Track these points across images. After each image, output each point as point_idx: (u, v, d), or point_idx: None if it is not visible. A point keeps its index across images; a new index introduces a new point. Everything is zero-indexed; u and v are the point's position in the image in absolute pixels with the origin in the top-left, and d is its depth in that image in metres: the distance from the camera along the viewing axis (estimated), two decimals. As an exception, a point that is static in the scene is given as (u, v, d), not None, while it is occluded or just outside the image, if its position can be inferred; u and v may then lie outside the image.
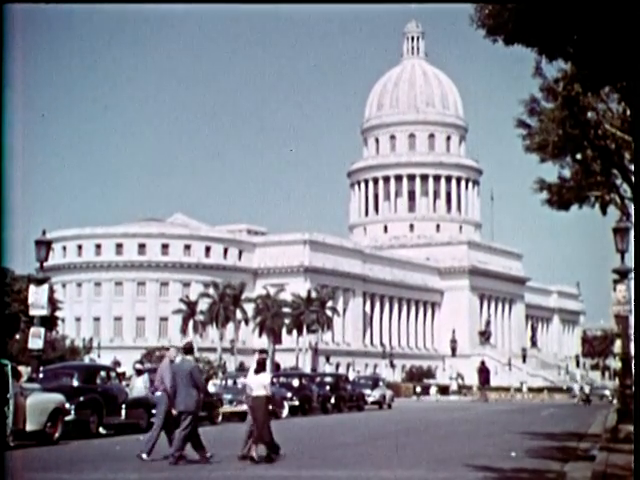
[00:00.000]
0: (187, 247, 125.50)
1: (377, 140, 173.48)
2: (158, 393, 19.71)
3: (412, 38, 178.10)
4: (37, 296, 29.99)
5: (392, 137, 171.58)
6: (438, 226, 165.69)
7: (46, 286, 30.62)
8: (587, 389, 79.10)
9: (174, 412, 18.98)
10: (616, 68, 14.12)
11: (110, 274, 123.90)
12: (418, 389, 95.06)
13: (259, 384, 18.84)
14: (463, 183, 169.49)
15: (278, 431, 31.08)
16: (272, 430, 19.22)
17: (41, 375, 27.68)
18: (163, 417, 19.46)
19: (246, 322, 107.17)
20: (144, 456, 19.02)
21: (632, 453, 14.28)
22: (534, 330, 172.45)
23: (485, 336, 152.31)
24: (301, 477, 17.11)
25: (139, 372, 31.46)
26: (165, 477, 16.92)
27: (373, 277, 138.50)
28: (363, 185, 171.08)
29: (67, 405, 24.08)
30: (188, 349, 19.22)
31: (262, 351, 19.69)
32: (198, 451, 18.71)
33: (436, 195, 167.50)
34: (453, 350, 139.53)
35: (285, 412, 40.01)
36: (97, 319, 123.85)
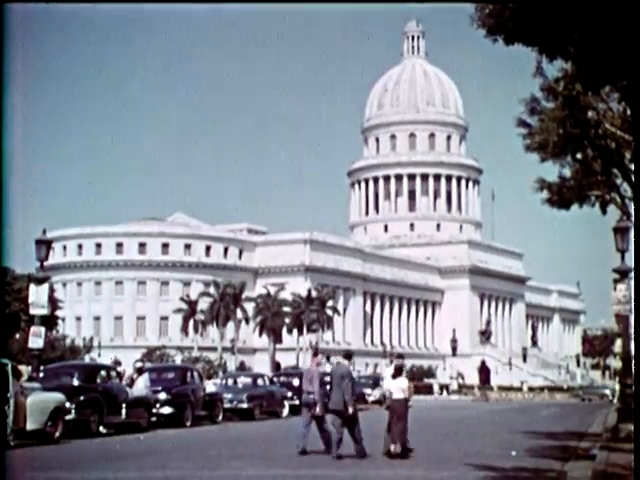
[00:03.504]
0: (187, 246, 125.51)
1: (377, 139, 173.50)
2: (310, 396, 20.77)
3: (412, 37, 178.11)
4: (37, 295, 29.98)
5: (392, 136, 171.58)
6: (438, 225, 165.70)
7: (46, 285, 30.61)
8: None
9: (318, 412, 20.19)
10: (616, 67, 14.12)
11: (110, 273, 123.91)
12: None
13: (398, 388, 20.28)
14: (463, 182, 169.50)
15: (278, 430, 31.19)
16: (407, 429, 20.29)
17: (41, 374, 27.66)
18: (311, 416, 20.48)
19: (246, 321, 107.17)
20: (299, 450, 19.97)
21: (632, 452, 14.28)
22: (534, 329, 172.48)
23: (485, 335, 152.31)
24: (301, 476, 17.12)
25: (140, 371, 31.51)
26: (166, 476, 16.93)
27: (373, 276, 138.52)
28: (363, 184, 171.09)
29: (67, 404, 24.07)
30: (347, 355, 21.02)
31: (400, 356, 21.59)
32: (357, 448, 19.73)
33: (436, 194, 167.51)
34: (453, 349, 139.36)
35: (286, 411, 40.03)
36: (97, 318, 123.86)
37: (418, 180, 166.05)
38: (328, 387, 21.20)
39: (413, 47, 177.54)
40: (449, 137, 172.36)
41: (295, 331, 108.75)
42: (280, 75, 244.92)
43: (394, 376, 20.58)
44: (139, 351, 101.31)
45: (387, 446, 20.10)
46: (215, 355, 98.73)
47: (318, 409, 20.13)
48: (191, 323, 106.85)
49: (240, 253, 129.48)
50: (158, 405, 30.26)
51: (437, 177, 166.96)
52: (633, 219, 24.63)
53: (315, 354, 22.34)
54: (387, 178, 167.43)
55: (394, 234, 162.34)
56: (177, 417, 30.85)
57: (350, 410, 19.40)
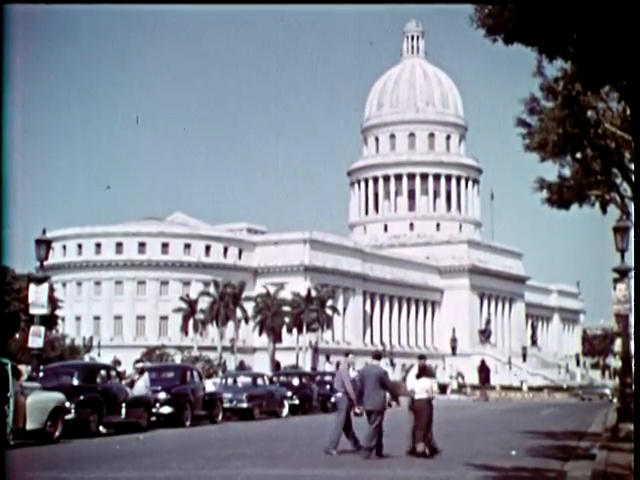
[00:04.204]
0: (187, 246, 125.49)
1: (377, 139, 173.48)
2: (339, 394, 21.06)
3: (412, 37, 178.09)
4: (37, 295, 29.98)
5: (392, 136, 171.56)
6: (438, 225, 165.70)
7: (46, 285, 30.61)
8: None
9: (357, 411, 20.58)
10: (616, 67, 14.12)
11: (110, 273, 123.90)
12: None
13: (421, 388, 20.66)
14: (463, 182, 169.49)
15: (278, 430, 31.19)
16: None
17: (41, 374, 27.66)
18: (344, 416, 20.81)
19: (246, 321, 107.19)
20: (333, 452, 20.28)
21: (632, 452, 14.29)
22: (534, 329, 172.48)
23: (485, 335, 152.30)
24: (301, 476, 17.12)
25: (142, 372, 31.55)
26: (166, 476, 16.93)
27: (373, 276, 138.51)
28: (363, 184, 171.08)
29: (67, 404, 24.08)
30: (377, 355, 21.39)
31: (422, 357, 21.62)
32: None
33: (436, 194, 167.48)
34: (453, 349, 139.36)
35: (285, 411, 40.05)
36: (97, 318, 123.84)
37: (418, 180, 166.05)
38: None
39: (413, 47, 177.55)
40: (449, 137, 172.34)
41: (295, 331, 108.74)
42: (280, 75, 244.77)
43: (418, 376, 20.96)
44: (139, 351, 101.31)
45: (410, 445, 20.42)
46: (215, 355, 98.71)
47: (357, 409, 20.56)
48: (191, 323, 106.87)
49: (240, 253, 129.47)
50: (158, 405, 30.27)
51: (437, 177, 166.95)
52: (633, 219, 24.64)
53: (347, 354, 22.88)
54: (387, 178, 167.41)
55: (394, 234, 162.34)
56: (177, 417, 30.86)
57: (359, 408, 20.03)
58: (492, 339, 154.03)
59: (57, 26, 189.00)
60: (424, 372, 21.06)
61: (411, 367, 22.29)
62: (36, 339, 29.81)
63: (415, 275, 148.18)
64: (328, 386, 47.41)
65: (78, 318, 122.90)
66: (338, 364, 22.27)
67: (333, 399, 21.42)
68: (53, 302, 72.82)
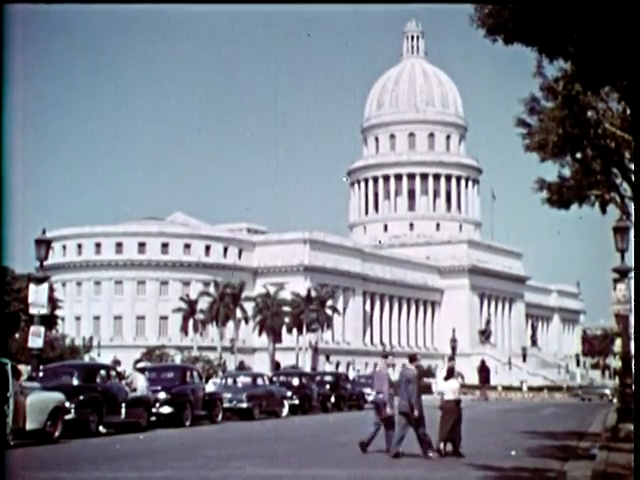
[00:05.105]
0: (187, 246, 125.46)
1: (377, 139, 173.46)
2: (379, 395, 21.19)
3: (412, 37, 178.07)
4: (37, 295, 29.98)
5: (392, 136, 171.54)
6: (438, 225, 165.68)
7: (46, 285, 30.62)
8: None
9: (389, 412, 20.62)
10: (616, 67, 14.12)
11: (110, 273, 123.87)
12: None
13: (450, 389, 21.10)
14: (463, 182, 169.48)
15: (278, 430, 31.18)
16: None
17: (41, 374, 27.64)
18: (383, 417, 20.87)
19: (246, 321, 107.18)
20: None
21: (632, 452, 14.29)
22: (534, 329, 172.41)
23: (485, 335, 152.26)
24: (301, 476, 17.11)
25: (142, 371, 31.56)
26: (165, 476, 16.93)
27: (373, 276, 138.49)
28: (363, 184, 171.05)
29: (67, 404, 24.06)
30: (412, 358, 21.55)
31: (451, 359, 22.40)
32: (423, 447, 20.16)
33: (436, 194, 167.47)
34: (453, 349, 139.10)
35: (285, 411, 40.04)
36: (97, 318, 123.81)
37: (417, 180, 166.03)
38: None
39: (412, 47, 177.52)
40: (448, 137, 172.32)
41: (295, 331, 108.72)
42: (280, 75, 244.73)
43: (446, 378, 21.32)
44: (139, 351, 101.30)
45: (438, 445, 20.61)
46: (215, 355, 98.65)
47: (388, 410, 20.68)
48: (191, 323, 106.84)
49: (240, 253, 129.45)
50: (158, 405, 30.26)
51: (437, 177, 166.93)
52: (633, 219, 24.64)
53: (385, 356, 23.04)
54: (386, 178, 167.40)
55: (394, 234, 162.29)
56: (176, 417, 30.85)
57: (416, 412, 19.94)
58: (492, 339, 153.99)
59: (57, 26, 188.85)
60: (452, 373, 21.44)
61: (384, 366, 22.18)
62: (36, 339, 29.81)
63: (415, 275, 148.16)
64: (328, 386, 47.51)
65: (78, 318, 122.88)
66: (376, 365, 22.62)
67: (371, 399, 21.55)
68: (53, 302, 72.82)
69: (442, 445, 20.34)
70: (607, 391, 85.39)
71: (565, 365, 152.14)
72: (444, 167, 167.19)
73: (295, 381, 44.21)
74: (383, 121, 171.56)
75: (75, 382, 26.35)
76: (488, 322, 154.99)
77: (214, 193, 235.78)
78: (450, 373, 21.33)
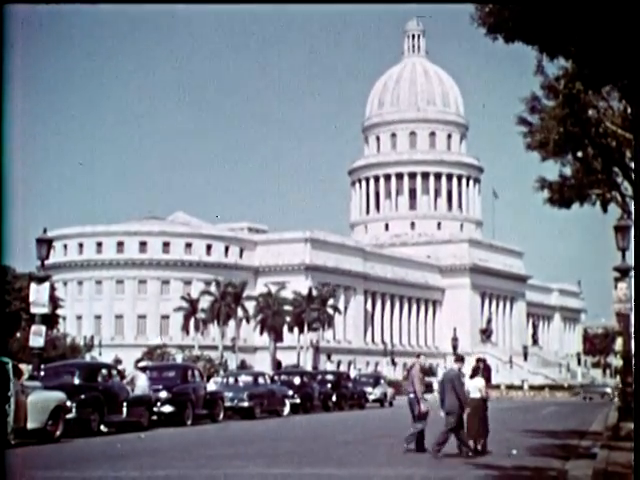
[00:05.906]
0: (188, 245, 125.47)
1: (378, 138, 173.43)
2: (411, 395, 21.43)
3: (413, 36, 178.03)
4: (38, 294, 29.98)
5: (393, 135, 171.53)
6: (439, 224, 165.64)
7: (47, 284, 30.61)
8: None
9: (424, 409, 20.91)
10: (617, 66, 14.12)
11: (111, 272, 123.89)
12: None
13: (475, 387, 21.24)
14: (464, 181, 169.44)
15: (279, 429, 31.19)
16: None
17: (42, 373, 27.65)
18: (416, 416, 21.08)
19: (247, 320, 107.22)
20: (410, 447, 20.69)
21: (633, 451, 14.28)
22: (535, 328, 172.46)
23: (486, 334, 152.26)
24: (302, 475, 17.10)
25: (143, 370, 31.56)
26: (167, 475, 16.93)
27: (374, 275, 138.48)
28: (364, 183, 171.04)
29: (68, 403, 24.06)
30: (458, 358, 22.28)
31: (478, 360, 22.45)
32: (462, 446, 20.34)
33: (437, 193, 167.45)
34: (454, 348, 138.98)
35: (286, 410, 40.05)
36: (98, 317, 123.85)
37: (419, 179, 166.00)
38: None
39: (414, 46, 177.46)
40: (450, 135, 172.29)
41: (296, 330, 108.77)
42: (281, 74, 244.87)
43: (471, 376, 21.50)
44: (140, 350, 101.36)
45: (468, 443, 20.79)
46: (216, 354, 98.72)
47: (423, 407, 20.91)
48: (192, 322, 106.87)
49: (241, 252, 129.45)
50: (159, 404, 30.27)
51: (438, 176, 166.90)
52: (633, 217, 24.64)
53: (418, 356, 23.29)
54: (388, 177, 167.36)
55: (395, 233, 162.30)
56: (178, 416, 30.85)
57: (466, 412, 20.35)
58: (493, 338, 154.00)
59: (57, 26, 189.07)
60: (477, 372, 21.60)
61: (412, 366, 22.26)
62: (37, 338, 29.82)
63: (416, 274, 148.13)
64: (330, 385, 47.52)
65: (79, 317, 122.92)
66: (411, 367, 22.78)
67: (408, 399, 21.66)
68: (54, 301, 72.91)
69: (472, 443, 20.56)
70: (608, 390, 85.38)
71: (566, 364, 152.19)
72: (445, 166, 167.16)
73: (296, 380, 44.23)
74: (384, 120, 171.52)
75: (76, 381, 26.36)
76: (489, 321, 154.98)
77: (215, 192, 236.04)
78: (475, 372, 21.56)
